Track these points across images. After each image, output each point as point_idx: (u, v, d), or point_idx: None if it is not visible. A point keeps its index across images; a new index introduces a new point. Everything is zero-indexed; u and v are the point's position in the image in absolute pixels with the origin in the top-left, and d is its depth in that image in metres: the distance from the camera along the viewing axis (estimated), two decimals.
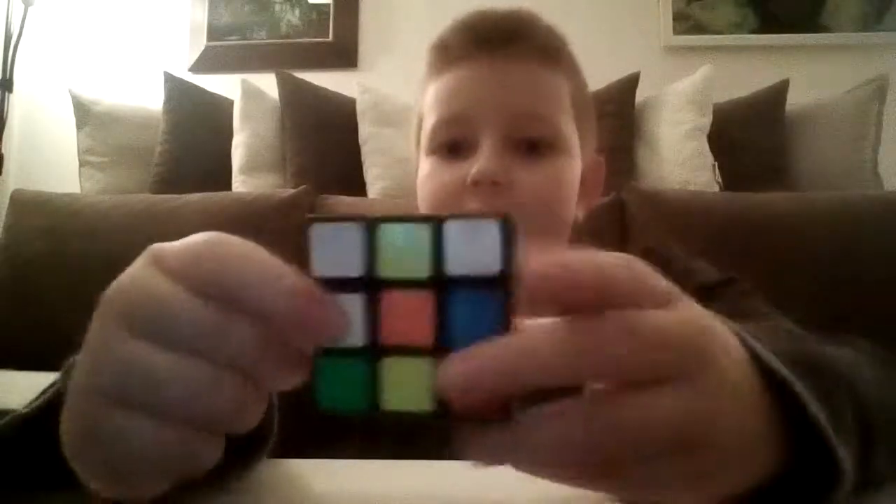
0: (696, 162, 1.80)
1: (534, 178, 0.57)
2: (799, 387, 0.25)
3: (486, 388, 0.20)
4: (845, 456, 0.25)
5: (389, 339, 0.21)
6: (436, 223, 0.21)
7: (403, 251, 0.21)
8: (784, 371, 0.25)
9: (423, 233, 0.21)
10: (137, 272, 0.24)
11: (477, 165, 0.56)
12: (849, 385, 0.29)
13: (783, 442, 0.25)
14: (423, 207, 0.62)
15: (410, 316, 0.21)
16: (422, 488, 0.34)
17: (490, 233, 0.20)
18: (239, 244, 0.23)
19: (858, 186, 1.77)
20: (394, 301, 0.21)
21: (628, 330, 0.20)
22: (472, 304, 0.21)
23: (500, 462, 0.21)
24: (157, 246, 0.24)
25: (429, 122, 0.62)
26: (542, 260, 0.20)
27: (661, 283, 0.22)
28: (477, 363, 0.20)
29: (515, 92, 0.59)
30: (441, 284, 0.21)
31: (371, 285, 0.21)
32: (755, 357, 0.25)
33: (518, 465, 0.22)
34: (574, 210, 0.63)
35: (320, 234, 0.21)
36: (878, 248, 1.54)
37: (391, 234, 0.21)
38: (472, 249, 0.20)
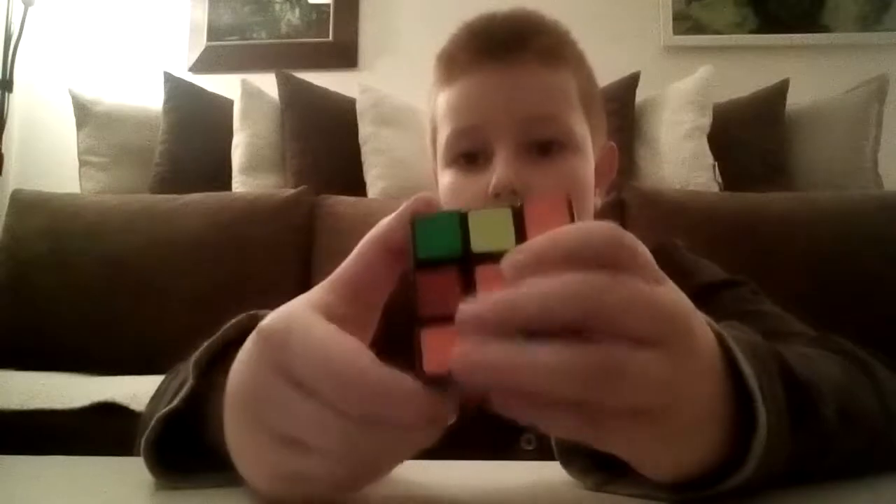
0: (696, 162, 1.80)
1: (549, 180, 0.59)
2: (739, 353, 0.27)
3: (495, 317, 0.22)
4: (763, 414, 0.27)
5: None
6: (516, 208, 0.26)
7: (491, 231, 0.26)
8: (731, 343, 0.27)
9: (506, 216, 0.26)
10: (262, 380, 0.26)
11: (494, 177, 0.58)
12: (783, 363, 0.31)
13: (732, 431, 0.27)
14: None
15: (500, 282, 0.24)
16: (423, 487, 0.34)
17: (559, 209, 0.25)
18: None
19: (858, 186, 1.77)
20: (487, 273, 0.25)
21: (631, 294, 0.22)
22: None
23: (491, 376, 0.22)
24: (275, 344, 0.26)
25: (443, 133, 0.64)
26: (541, 237, 0.23)
27: (650, 260, 0.24)
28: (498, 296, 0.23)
29: (523, 97, 0.61)
30: None
31: (466, 259, 0.26)
32: (721, 341, 0.27)
33: (509, 380, 0.23)
34: (592, 201, 0.66)
35: (423, 225, 0.26)
36: (878, 248, 1.54)
37: (481, 219, 0.26)
38: (546, 226, 0.25)
